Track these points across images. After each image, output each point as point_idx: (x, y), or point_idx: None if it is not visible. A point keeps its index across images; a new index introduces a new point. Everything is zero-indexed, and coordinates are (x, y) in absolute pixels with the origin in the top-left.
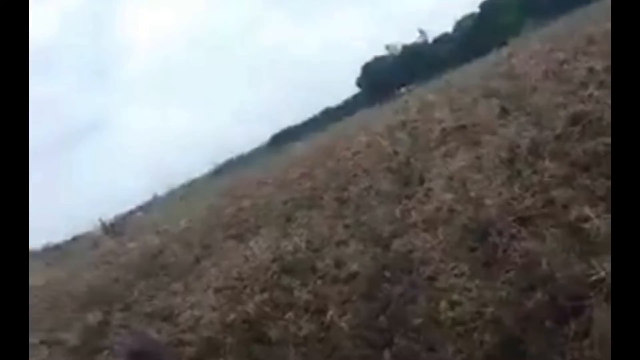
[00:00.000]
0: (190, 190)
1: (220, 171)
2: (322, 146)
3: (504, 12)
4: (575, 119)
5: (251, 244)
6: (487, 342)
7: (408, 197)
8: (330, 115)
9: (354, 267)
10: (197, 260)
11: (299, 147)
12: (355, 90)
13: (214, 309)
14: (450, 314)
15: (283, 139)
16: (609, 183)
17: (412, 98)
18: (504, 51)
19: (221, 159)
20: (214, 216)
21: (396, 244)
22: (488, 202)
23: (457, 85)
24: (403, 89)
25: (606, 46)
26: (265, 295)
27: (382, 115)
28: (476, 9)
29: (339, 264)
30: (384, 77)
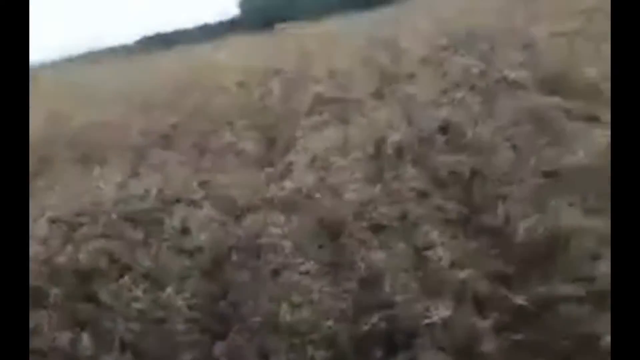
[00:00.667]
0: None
1: (71, 61)
2: (192, 69)
3: None
4: (443, 126)
5: (96, 173)
6: (318, 358)
7: (270, 165)
8: (206, 32)
9: (202, 238)
10: (32, 175)
11: (168, 62)
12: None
13: (43, 241)
14: (289, 318)
15: (154, 43)
16: (460, 207)
17: (292, 39)
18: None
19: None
20: (58, 125)
21: (249, 219)
22: (347, 196)
23: (342, 40)
24: (285, 24)
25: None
26: (103, 242)
27: (257, 50)
28: None
29: (186, 230)
30: (268, 5)
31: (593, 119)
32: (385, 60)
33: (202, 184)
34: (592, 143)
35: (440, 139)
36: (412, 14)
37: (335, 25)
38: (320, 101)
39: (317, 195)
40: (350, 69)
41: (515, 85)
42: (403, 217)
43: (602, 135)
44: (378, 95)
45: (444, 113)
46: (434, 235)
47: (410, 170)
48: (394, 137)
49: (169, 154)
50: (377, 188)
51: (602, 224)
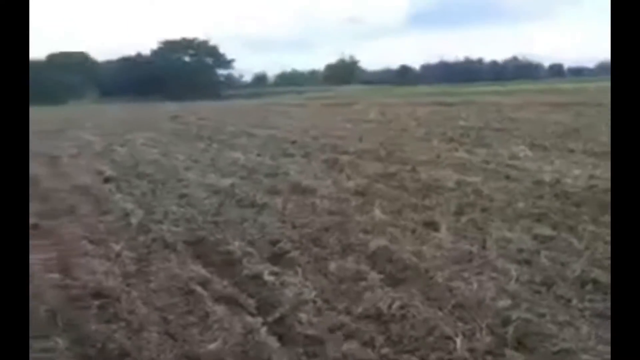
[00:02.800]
0: None
1: None
2: None
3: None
4: (96, 288)
5: None
6: None
7: None
8: None
9: None
10: None
11: None
12: None
13: None
14: None
15: None
16: None
17: None
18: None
19: None
20: None
21: None
22: None
23: None
24: None
25: None
26: None
27: None
28: None
29: None
30: None
31: (235, 303)
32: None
33: None
34: (231, 332)
35: (94, 303)
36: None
37: None
38: None
39: None
40: None
41: (170, 247)
42: None
43: (239, 321)
44: (34, 227)
45: (101, 270)
46: None
47: (59, 343)
48: (48, 294)
49: None
50: None
51: None
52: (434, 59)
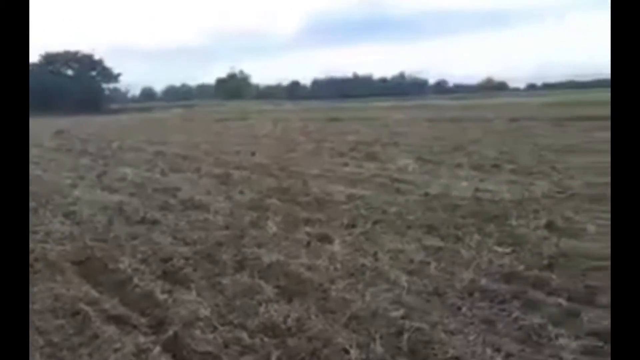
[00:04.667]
0: None
1: None
2: None
3: None
4: None
5: None
6: None
7: None
8: None
9: None
10: None
11: None
12: None
13: None
14: None
15: None
16: None
17: None
18: None
19: None
20: None
21: None
22: None
23: None
24: None
25: None
26: None
27: None
28: None
29: None
30: None
31: (126, 322)
32: None
33: None
34: (122, 352)
35: None
36: None
37: None
38: None
39: None
40: None
41: (55, 266)
42: None
43: (131, 341)
44: None
45: None
46: None
47: None
48: None
49: None
50: None
51: None
52: (323, 75)
